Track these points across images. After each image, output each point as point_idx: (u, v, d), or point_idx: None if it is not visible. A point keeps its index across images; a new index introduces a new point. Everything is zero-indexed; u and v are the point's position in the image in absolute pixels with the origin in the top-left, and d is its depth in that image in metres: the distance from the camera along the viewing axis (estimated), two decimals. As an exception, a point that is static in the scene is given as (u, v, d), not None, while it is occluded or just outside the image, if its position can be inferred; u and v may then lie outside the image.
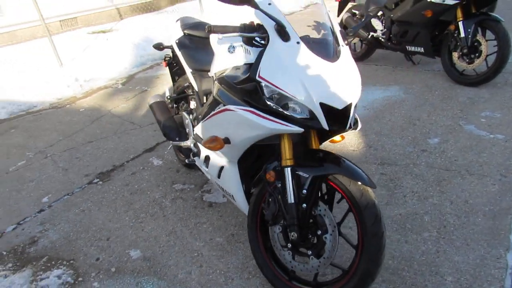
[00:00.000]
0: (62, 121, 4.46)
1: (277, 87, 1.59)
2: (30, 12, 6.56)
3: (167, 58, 3.00)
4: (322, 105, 1.57)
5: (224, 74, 1.89)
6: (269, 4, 1.71)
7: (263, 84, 1.62)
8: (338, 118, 1.63)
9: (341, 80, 1.61)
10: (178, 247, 2.30)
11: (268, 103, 1.63)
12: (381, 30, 4.64)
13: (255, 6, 1.59)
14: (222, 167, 2.11)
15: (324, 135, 1.92)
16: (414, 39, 4.29)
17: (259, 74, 1.62)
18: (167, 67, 3.07)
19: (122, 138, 3.82)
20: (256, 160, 2.09)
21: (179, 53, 2.67)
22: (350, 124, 1.67)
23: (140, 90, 5.19)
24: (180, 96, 2.84)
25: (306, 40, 1.67)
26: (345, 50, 1.72)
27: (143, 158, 3.38)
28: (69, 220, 2.66)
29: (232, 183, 2.06)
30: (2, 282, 2.19)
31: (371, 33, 4.70)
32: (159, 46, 2.90)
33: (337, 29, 1.78)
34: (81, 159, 3.48)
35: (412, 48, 4.38)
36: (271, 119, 1.63)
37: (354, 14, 4.97)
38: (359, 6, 5.02)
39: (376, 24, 4.69)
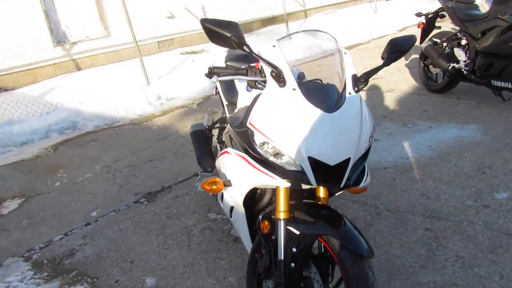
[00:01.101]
0: (134, 137, 4.79)
1: (266, 136, 1.49)
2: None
3: (217, 86, 3.04)
4: (312, 159, 1.43)
5: (231, 114, 1.84)
6: (273, 46, 1.63)
7: (254, 131, 1.54)
8: (333, 174, 1.47)
9: (337, 133, 1.46)
10: (190, 282, 2.28)
11: (259, 151, 1.54)
12: (464, 61, 4.18)
13: (250, 51, 1.52)
14: (232, 207, 2.05)
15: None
16: (500, 73, 3.78)
17: (250, 120, 1.55)
18: (217, 95, 3.11)
19: (180, 159, 3.97)
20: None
21: (218, 84, 2.69)
22: (346, 181, 1.50)
23: (211, 112, 5.36)
24: (216, 127, 2.86)
25: (306, 86, 1.56)
26: (352, 99, 1.56)
27: (190, 182, 3.47)
28: (107, 237, 2.81)
29: (239, 224, 1.99)
30: (34, 290, 2.38)
31: (453, 64, 4.26)
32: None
33: (349, 74, 1.62)
34: (137, 177, 3.69)
35: (498, 83, 3.86)
36: (259, 169, 1.54)
37: (435, 43, 4.56)
38: (443, 34, 4.60)
39: (459, 54, 4.25)
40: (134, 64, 7.98)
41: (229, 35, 1.48)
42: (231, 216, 2.11)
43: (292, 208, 1.63)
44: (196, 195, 3.22)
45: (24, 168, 4.25)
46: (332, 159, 1.44)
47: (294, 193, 1.71)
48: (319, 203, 1.67)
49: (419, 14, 4.83)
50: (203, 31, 1.49)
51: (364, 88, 1.70)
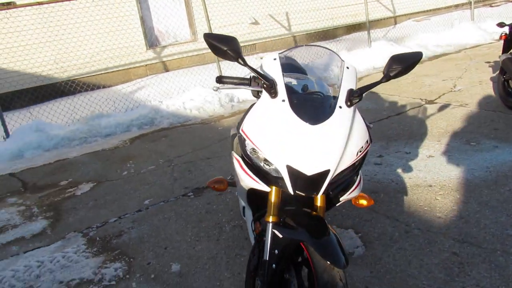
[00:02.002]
0: (201, 136, 5.15)
1: (254, 144, 1.61)
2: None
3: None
4: (290, 168, 1.51)
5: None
6: (274, 59, 1.74)
7: (245, 138, 1.65)
8: (311, 184, 1.53)
9: (318, 145, 1.52)
10: (209, 273, 2.46)
11: (250, 156, 1.65)
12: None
13: (244, 64, 1.65)
14: (244, 207, 2.19)
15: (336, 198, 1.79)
16: None
17: (242, 127, 1.67)
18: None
19: (233, 159, 4.18)
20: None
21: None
22: (328, 192, 1.54)
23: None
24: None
25: (298, 98, 1.63)
26: (341, 112, 1.60)
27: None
28: (151, 224, 3.13)
29: (247, 223, 2.11)
30: (83, 261, 2.76)
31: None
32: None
33: (345, 88, 1.66)
34: (191, 173, 3.99)
35: None
36: (248, 173, 1.65)
37: (515, 56, 4.18)
38: (525, 47, 4.20)
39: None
40: (215, 67, 8.48)
41: (225, 48, 1.63)
42: (244, 215, 2.24)
43: (285, 213, 1.71)
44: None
45: (103, 157, 4.83)
46: (309, 169, 1.50)
47: (294, 200, 1.78)
48: (313, 213, 1.72)
49: (501, 25, 4.46)
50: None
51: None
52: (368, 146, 1.67)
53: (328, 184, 1.56)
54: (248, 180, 1.66)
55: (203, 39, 1.71)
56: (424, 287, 2.12)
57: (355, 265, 2.35)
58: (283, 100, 1.60)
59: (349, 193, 1.65)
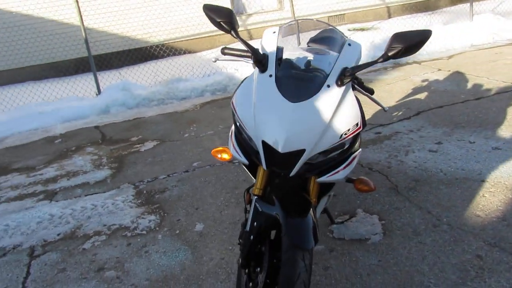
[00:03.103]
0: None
1: (239, 117, 1.63)
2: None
3: None
4: (265, 143, 1.52)
5: None
6: (274, 32, 1.71)
7: (233, 111, 1.69)
8: (285, 161, 1.52)
9: (295, 123, 1.49)
10: (226, 237, 2.59)
11: (238, 128, 1.69)
12: None
13: (236, 36, 1.65)
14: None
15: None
16: None
17: (232, 99, 1.70)
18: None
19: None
20: None
21: None
22: (301, 172, 1.52)
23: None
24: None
25: (287, 74, 1.61)
26: (328, 91, 1.54)
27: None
28: (192, 185, 3.34)
29: None
30: (126, 210, 3.08)
31: None
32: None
33: (341, 65, 1.58)
34: (244, 141, 4.11)
35: None
36: (232, 143, 1.70)
37: None
38: None
39: None
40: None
41: (219, 20, 1.65)
42: None
43: (273, 189, 1.73)
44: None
45: (174, 118, 5.19)
46: (283, 147, 1.49)
47: (287, 179, 1.77)
48: (303, 194, 1.71)
49: None
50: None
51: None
52: (357, 130, 1.59)
53: (307, 165, 1.53)
54: (232, 150, 1.70)
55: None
56: (429, 285, 1.99)
57: (366, 251, 2.29)
58: (270, 75, 1.60)
59: (330, 175, 1.61)
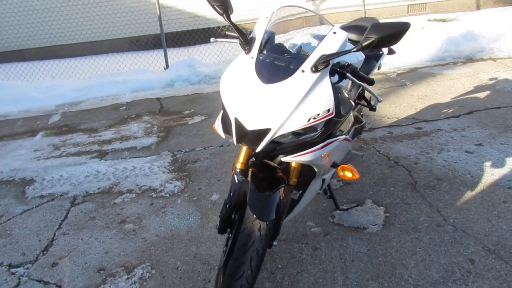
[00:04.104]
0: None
1: (221, 93, 1.77)
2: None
3: None
4: (236, 120, 1.64)
5: None
6: (266, 17, 1.81)
7: (220, 89, 1.82)
8: (253, 138, 1.63)
9: (265, 104, 1.59)
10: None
11: (223, 104, 1.82)
12: None
13: (228, 19, 1.77)
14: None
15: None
16: None
17: (221, 77, 1.83)
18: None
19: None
20: None
21: None
22: (268, 149, 1.63)
23: (400, 84, 5.15)
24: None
25: (267, 57, 1.70)
26: (301, 76, 1.61)
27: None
28: (222, 159, 3.55)
29: None
30: (159, 174, 3.39)
31: None
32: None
33: (320, 52, 1.64)
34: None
35: None
36: (218, 118, 1.84)
37: None
38: None
39: None
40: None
41: (213, 3, 1.78)
42: None
43: (254, 164, 1.86)
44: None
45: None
46: (250, 124, 1.60)
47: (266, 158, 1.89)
48: (279, 173, 1.81)
49: None
50: None
51: None
52: (328, 116, 1.64)
53: (276, 143, 1.64)
54: (216, 125, 1.85)
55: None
56: (408, 279, 1.99)
57: (359, 239, 2.32)
58: (252, 57, 1.70)
59: (295, 156, 1.69)
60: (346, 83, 2.19)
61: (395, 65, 6.03)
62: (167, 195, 3.05)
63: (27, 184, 3.44)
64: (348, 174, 1.90)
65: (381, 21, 2.28)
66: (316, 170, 1.90)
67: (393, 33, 1.51)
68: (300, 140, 1.67)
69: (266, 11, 1.93)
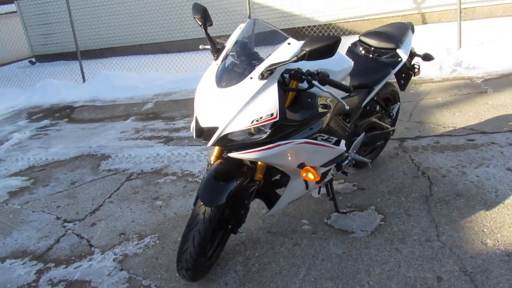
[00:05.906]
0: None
1: (195, 96, 2.04)
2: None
3: None
4: (196, 118, 1.90)
5: None
6: (240, 28, 2.02)
7: (196, 92, 2.10)
8: (208, 135, 1.88)
9: (217, 105, 1.83)
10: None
11: None
12: None
13: (204, 30, 2.02)
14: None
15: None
16: None
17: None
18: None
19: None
20: None
21: None
22: (219, 144, 1.86)
23: (480, 91, 4.71)
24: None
25: (230, 64, 1.90)
26: (248, 82, 1.79)
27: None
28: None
29: None
30: (202, 162, 3.80)
31: None
32: None
33: (270, 61, 1.79)
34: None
35: None
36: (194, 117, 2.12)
37: None
38: None
39: None
40: (439, 28, 7.46)
41: (194, 16, 2.05)
42: None
43: (224, 159, 2.10)
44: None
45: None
46: (203, 122, 1.86)
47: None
48: (244, 168, 2.03)
49: None
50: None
51: None
52: (271, 119, 1.78)
53: (227, 140, 1.86)
54: (192, 125, 2.13)
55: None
56: (364, 286, 2.02)
57: (340, 241, 2.38)
58: (217, 64, 1.94)
59: (241, 153, 1.87)
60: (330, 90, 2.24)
61: (487, 70, 5.48)
62: (200, 180, 3.43)
63: (104, 159, 4.17)
64: (310, 176, 2.02)
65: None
66: (280, 169, 2.06)
67: (323, 46, 1.60)
68: (250, 140, 1.86)
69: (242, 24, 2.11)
